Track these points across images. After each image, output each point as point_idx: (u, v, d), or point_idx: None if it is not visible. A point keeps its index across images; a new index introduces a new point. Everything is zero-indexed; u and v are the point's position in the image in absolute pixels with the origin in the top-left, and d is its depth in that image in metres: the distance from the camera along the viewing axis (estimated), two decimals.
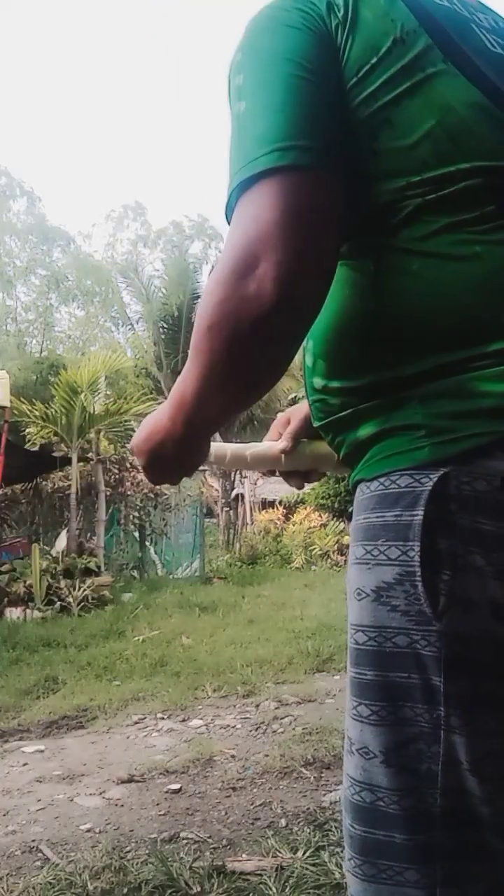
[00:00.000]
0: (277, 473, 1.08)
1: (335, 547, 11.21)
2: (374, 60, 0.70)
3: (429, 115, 0.70)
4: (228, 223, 0.71)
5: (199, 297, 17.64)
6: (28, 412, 9.34)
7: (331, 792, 2.64)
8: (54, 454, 9.79)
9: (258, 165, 0.66)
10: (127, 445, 9.93)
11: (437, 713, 0.66)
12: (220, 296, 0.66)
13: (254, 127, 0.69)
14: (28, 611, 7.05)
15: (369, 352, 0.74)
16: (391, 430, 0.72)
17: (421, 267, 0.70)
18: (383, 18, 0.72)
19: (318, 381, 0.82)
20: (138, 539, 10.64)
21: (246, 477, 15.17)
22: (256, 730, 3.48)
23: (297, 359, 0.83)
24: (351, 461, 0.81)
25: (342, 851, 2.13)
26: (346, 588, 0.77)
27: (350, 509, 0.89)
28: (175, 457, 0.84)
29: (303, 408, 1.00)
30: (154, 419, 0.84)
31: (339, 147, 0.69)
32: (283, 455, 1.01)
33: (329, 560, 11.20)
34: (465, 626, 0.65)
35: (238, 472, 15.32)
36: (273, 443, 1.03)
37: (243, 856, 2.18)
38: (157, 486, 10.77)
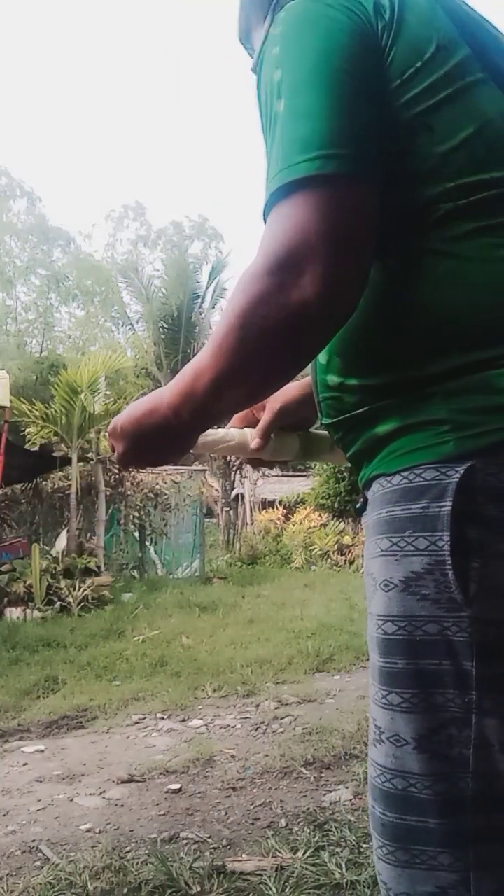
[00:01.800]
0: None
1: (335, 547, 11.21)
2: (418, 64, 0.72)
3: (468, 123, 0.73)
4: (265, 221, 0.71)
5: (198, 296, 17.68)
6: (28, 412, 9.34)
7: (331, 792, 2.64)
8: (54, 454, 9.78)
9: (300, 171, 0.67)
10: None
11: (468, 697, 0.68)
12: (259, 296, 0.68)
13: (296, 129, 0.69)
14: (28, 611, 7.05)
15: (393, 350, 0.76)
16: (413, 425, 0.74)
17: (449, 268, 0.72)
18: (427, 25, 0.74)
19: (333, 379, 0.82)
20: (138, 539, 10.64)
21: (246, 477, 15.18)
22: (256, 730, 3.48)
23: None
24: (363, 457, 0.82)
25: (342, 851, 2.14)
26: (367, 581, 0.79)
27: (357, 506, 0.90)
28: (166, 445, 0.84)
29: (277, 397, 1.01)
30: (148, 405, 0.83)
31: (377, 152, 0.70)
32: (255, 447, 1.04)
33: (329, 560, 11.20)
34: (495, 612, 0.68)
35: (238, 472, 15.33)
36: (245, 432, 1.04)
37: (243, 856, 2.18)
38: (157, 485, 10.80)
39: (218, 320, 0.75)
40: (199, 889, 1.98)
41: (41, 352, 20.16)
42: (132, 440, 0.85)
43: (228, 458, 13.57)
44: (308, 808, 2.49)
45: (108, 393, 10.62)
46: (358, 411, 0.80)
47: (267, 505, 14.84)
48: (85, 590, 7.43)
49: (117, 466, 9.94)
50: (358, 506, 0.90)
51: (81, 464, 9.67)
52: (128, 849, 2.27)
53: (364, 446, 0.81)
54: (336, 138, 0.67)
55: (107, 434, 0.90)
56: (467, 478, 0.69)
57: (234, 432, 1.04)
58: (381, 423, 0.77)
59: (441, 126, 0.72)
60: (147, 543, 10.76)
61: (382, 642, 0.73)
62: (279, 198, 0.69)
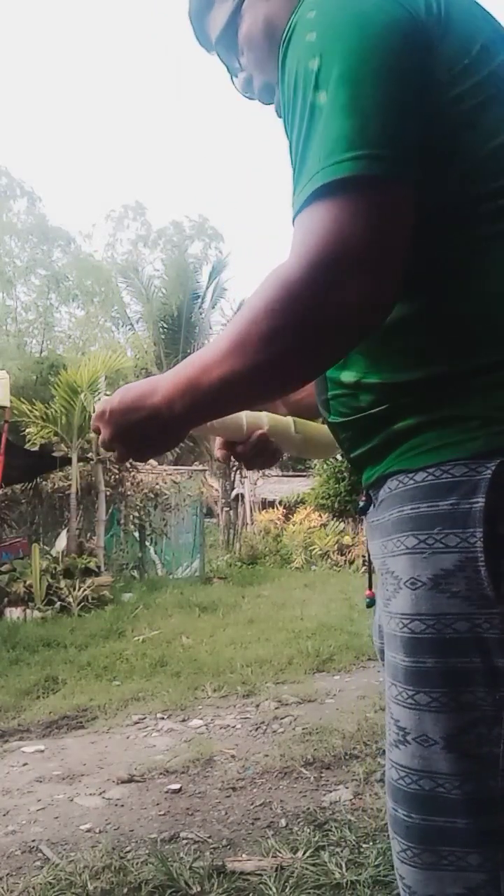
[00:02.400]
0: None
1: (335, 547, 11.21)
2: (466, 61, 0.71)
3: None
4: (298, 212, 0.69)
5: (198, 296, 17.66)
6: (28, 412, 9.34)
7: (331, 792, 2.64)
8: (54, 454, 9.78)
9: (344, 169, 0.65)
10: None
11: (499, 695, 0.68)
12: (295, 297, 0.67)
13: (341, 125, 0.66)
14: (28, 611, 7.04)
15: (423, 347, 0.75)
16: (439, 421, 0.73)
17: (484, 267, 0.72)
18: (471, 23, 0.74)
19: (350, 376, 0.81)
20: (138, 539, 10.64)
21: (246, 477, 15.17)
22: (256, 730, 3.48)
23: None
24: (373, 455, 0.81)
25: (342, 851, 2.14)
26: (385, 580, 0.77)
27: (360, 505, 0.89)
28: (153, 437, 0.81)
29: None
30: (140, 392, 0.81)
31: (418, 153, 0.69)
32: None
33: (329, 560, 11.20)
34: None
35: (238, 472, 15.32)
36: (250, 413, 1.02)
37: (243, 856, 2.17)
38: (157, 485, 10.79)
39: (235, 316, 0.74)
40: (199, 889, 1.98)
41: (41, 352, 20.16)
42: (119, 427, 0.82)
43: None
44: (308, 808, 2.49)
45: (108, 393, 10.59)
46: (375, 410, 0.78)
47: (267, 505, 14.84)
48: (85, 590, 7.43)
49: (117, 466, 9.95)
50: (361, 505, 0.89)
51: (81, 464, 9.67)
52: (128, 849, 2.27)
53: (376, 444, 0.80)
54: (382, 138, 0.66)
55: (92, 418, 0.87)
56: (499, 474, 0.68)
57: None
58: (401, 419, 0.76)
59: (485, 125, 0.72)
60: (147, 543, 10.76)
61: (409, 641, 0.72)
62: (321, 196, 0.67)
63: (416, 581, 0.72)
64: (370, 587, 1.02)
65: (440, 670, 0.70)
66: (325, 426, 1.06)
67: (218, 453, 1.05)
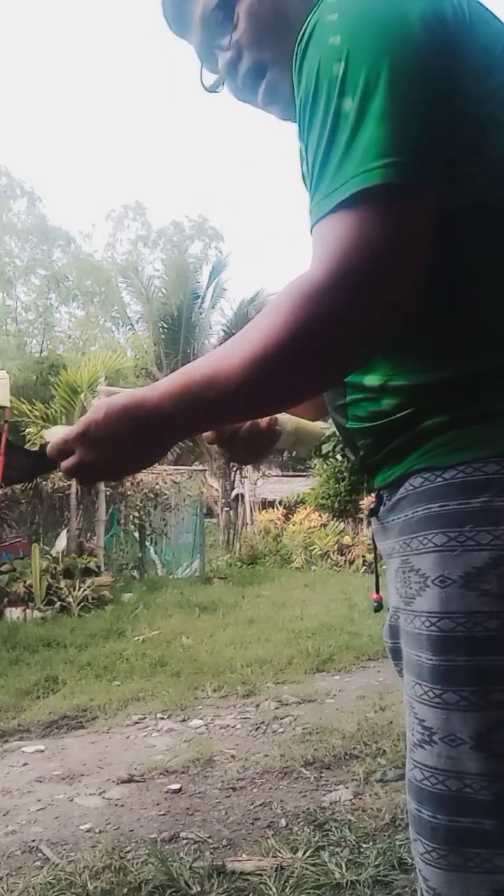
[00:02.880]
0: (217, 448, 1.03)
1: (335, 547, 11.20)
2: (490, 64, 0.71)
3: None
4: (321, 218, 0.68)
5: (198, 296, 17.65)
6: (28, 412, 9.35)
7: (331, 792, 2.64)
8: None
9: (375, 177, 0.64)
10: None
11: None
12: (323, 305, 0.66)
13: (369, 131, 0.65)
14: (28, 611, 7.04)
15: (453, 347, 0.75)
16: (468, 419, 0.73)
17: None
18: (490, 26, 0.74)
19: (373, 380, 0.80)
20: (138, 539, 10.63)
21: (246, 477, 15.17)
22: (256, 730, 3.48)
23: None
24: (393, 455, 0.80)
25: (342, 851, 2.14)
26: (408, 579, 0.76)
27: (371, 507, 0.87)
28: (145, 447, 0.78)
29: None
30: (126, 401, 0.77)
31: (445, 156, 0.68)
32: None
33: (329, 560, 11.19)
34: None
35: (238, 472, 15.32)
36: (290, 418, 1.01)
37: (243, 856, 2.18)
38: (157, 485, 10.79)
39: (250, 325, 0.72)
40: (199, 889, 1.98)
41: (41, 352, 20.15)
42: (105, 437, 0.78)
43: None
44: (308, 808, 2.49)
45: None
46: (401, 413, 0.77)
47: (267, 505, 14.84)
48: (85, 590, 7.43)
49: None
50: (372, 506, 0.87)
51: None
52: (128, 849, 2.27)
53: (397, 445, 0.79)
54: (412, 145, 0.65)
55: (68, 436, 0.81)
56: None
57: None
58: (427, 419, 0.75)
59: None
60: (147, 543, 10.75)
61: (438, 640, 0.71)
62: (350, 203, 0.66)
63: (446, 579, 0.71)
64: (377, 591, 1.00)
65: (470, 669, 0.69)
66: (305, 420, 1.06)
67: (208, 436, 1.00)
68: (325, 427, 1.12)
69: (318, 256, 0.68)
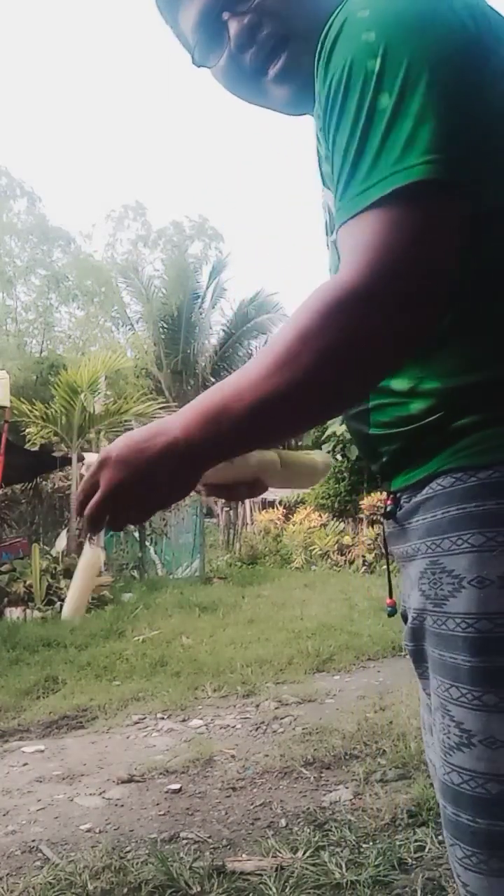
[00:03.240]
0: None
1: (335, 547, 11.20)
2: None
3: None
4: (355, 214, 0.67)
5: (198, 296, 17.66)
6: (28, 412, 9.34)
7: (331, 792, 2.64)
8: (54, 454, 9.78)
9: (416, 174, 0.63)
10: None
11: None
12: (362, 306, 0.64)
13: (409, 128, 0.64)
14: (28, 611, 7.05)
15: (482, 350, 0.74)
16: (501, 418, 0.72)
17: None
18: None
19: (402, 384, 0.78)
20: (138, 539, 10.63)
21: None
22: (256, 730, 3.48)
23: None
24: (417, 459, 0.79)
25: (342, 851, 2.14)
26: (437, 580, 0.75)
27: (387, 509, 0.85)
28: (171, 478, 0.73)
29: None
30: (147, 432, 0.74)
31: (481, 154, 0.68)
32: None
33: (329, 560, 11.19)
34: None
35: None
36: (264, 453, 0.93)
37: (243, 856, 2.17)
38: None
39: (276, 336, 0.69)
40: (199, 889, 1.98)
41: (41, 352, 20.15)
42: (127, 472, 0.73)
43: None
44: (308, 808, 2.49)
45: (108, 393, 10.63)
46: (431, 418, 0.76)
47: (267, 505, 14.82)
48: None
49: None
50: (388, 508, 0.86)
51: (81, 464, 9.67)
52: (128, 849, 2.27)
53: (423, 448, 0.77)
54: (451, 143, 0.64)
55: (89, 471, 0.77)
56: None
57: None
58: (458, 420, 0.74)
59: None
60: (147, 543, 10.76)
61: (476, 641, 0.70)
62: (389, 201, 0.64)
63: (484, 580, 0.70)
64: (390, 595, 0.98)
65: None
66: (301, 453, 1.00)
67: (204, 490, 0.91)
68: (324, 463, 1.03)
69: (351, 258, 0.66)
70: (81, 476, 0.83)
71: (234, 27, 0.82)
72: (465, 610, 0.71)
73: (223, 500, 15.65)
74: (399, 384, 0.78)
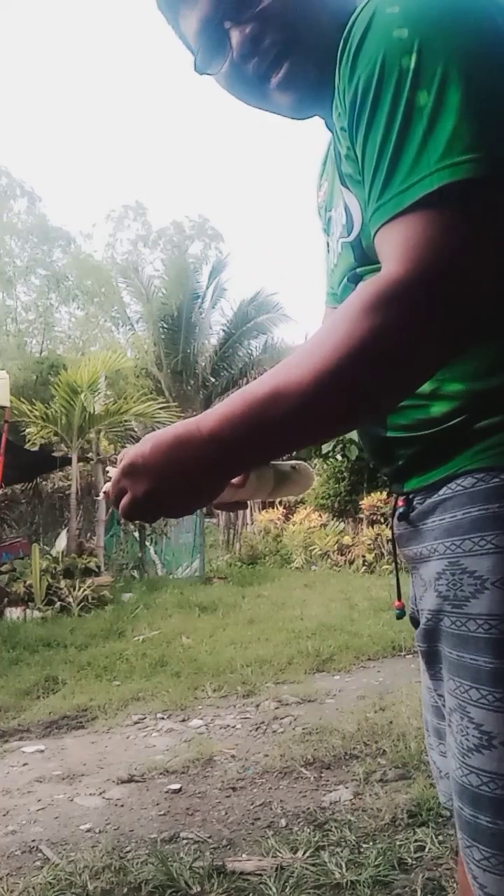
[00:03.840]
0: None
1: (335, 547, 11.19)
2: None
3: None
4: (397, 214, 0.65)
5: (198, 296, 17.64)
6: (28, 412, 9.35)
7: (331, 792, 2.64)
8: (54, 454, 9.79)
9: (461, 172, 0.63)
10: (126, 446, 9.94)
11: None
12: (413, 305, 0.63)
13: (454, 125, 0.63)
14: (28, 611, 7.05)
15: None
16: None
17: None
18: None
19: (424, 386, 0.76)
20: (138, 539, 10.64)
21: None
22: (256, 730, 3.48)
23: None
24: (434, 461, 0.78)
25: (342, 851, 2.14)
26: (457, 580, 0.74)
27: (400, 510, 0.85)
28: (202, 480, 0.72)
29: None
30: (175, 432, 0.71)
31: None
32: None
33: (329, 560, 11.19)
34: None
35: None
36: None
37: (243, 856, 2.18)
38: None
39: (316, 333, 0.68)
40: (199, 889, 1.98)
41: (41, 352, 20.18)
42: (159, 473, 0.71)
43: None
44: (308, 808, 2.49)
45: (108, 393, 10.62)
46: (453, 421, 0.75)
47: (267, 505, 14.81)
48: (85, 590, 7.43)
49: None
50: (401, 510, 0.85)
51: (81, 464, 9.68)
52: (128, 849, 2.27)
53: (442, 450, 0.76)
54: (495, 140, 0.64)
55: (116, 475, 0.75)
56: None
57: None
58: (479, 421, 0.73)
59: None
60: (147, 543, 10.76)
61: (501, 643, 0.70)
62: (434, 200, 0.63)
63: None
64: (399, 597, 0.97)
65: None
66: (293, 465, 0.98)
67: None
68: (306, 477, 1.02)
69: (396, 255, 0.65)
70: (107, 475, 0.81)
71: (235, 37, 0.81)
72: (487, 611, 0.71)
73: None
74: (423, 386, 0.77)
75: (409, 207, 0.64)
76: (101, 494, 0.81)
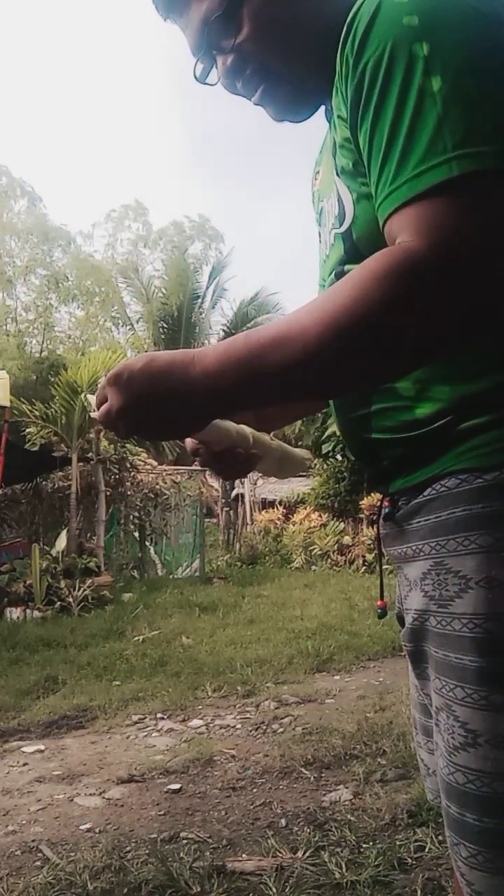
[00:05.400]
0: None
1: (335, 547, 11.20)
2: None
3: None
4: (416, 192, 0.65)
5: (198, 296, 17.66)
6: (28, 412, 9.35)
7: (331, 792, 2.64)
8: (54, 454, 9.78)
9: (482, 161, 0.62)
10: (126, 446, 9.96)
11: None
12: (427, 284, 0.62)
13: (471, 114, 0.63)
14: (28, 611, 7.05)
15: (497, 353, 0.73)
16: None
17: None
18: None
19: (408, 388, 0.77)
20: (138, 539, 10.64)
21: (246, 477, 15.15)
22: (256, 730, 3.48)
23: None
24: (419, 462, 0.78)
25: (342, 851, 2.14)
26: (443, 580, 0.75)
27: (387, 510, 0.85)
28: (181, 414, 0.73)
29: None
30: (172, 359, 0.72)
31: None
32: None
33: (329, 560, 11.19)
34: None
35: None
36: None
37: (243, 856, 2.18)
38: (157, 485, 10.79)
39: (324, 293, 0.68)
40: (199, 889, 1.98)
41: (41, 352, 20.17)
42: (138, 394, 0.72)
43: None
44: (308, 808, 2.49)
45: None
46: (438, 423, 0.75)
47: (267, 505, 14.82)
48: (85, 590, 7.43)
49: (117, 466, 9.95)
50: (387, 510, 0.85)
51: (81, 464, 9.67)
52: (128, 849, 2.27)
53: (425, 451, 0.77)
54: None
55: (103, 382, 0.76)
56: None
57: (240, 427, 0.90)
58: (465, 423, 0.73)
59: None
60: (147, 543, 10.76)
61: (483, 642, 0.71)
62: (456, 184, 0.63)
63: (493, 580, 0.70)
64: (381, 597, 0.98)
65: None
66: (290, 447, 1.00)
67: (188, 446, 0.92)
68: (308, 458, 1.07)
69: (418, 230, 0.64)
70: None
71: (220, 63, 0.88)
72: (472, 611, 0.71)
73: (223, 501, 15.68)
74: (405, 387, 0.77)
75: (426, 191, 0.64)
76: (91, 400, 0.82)
